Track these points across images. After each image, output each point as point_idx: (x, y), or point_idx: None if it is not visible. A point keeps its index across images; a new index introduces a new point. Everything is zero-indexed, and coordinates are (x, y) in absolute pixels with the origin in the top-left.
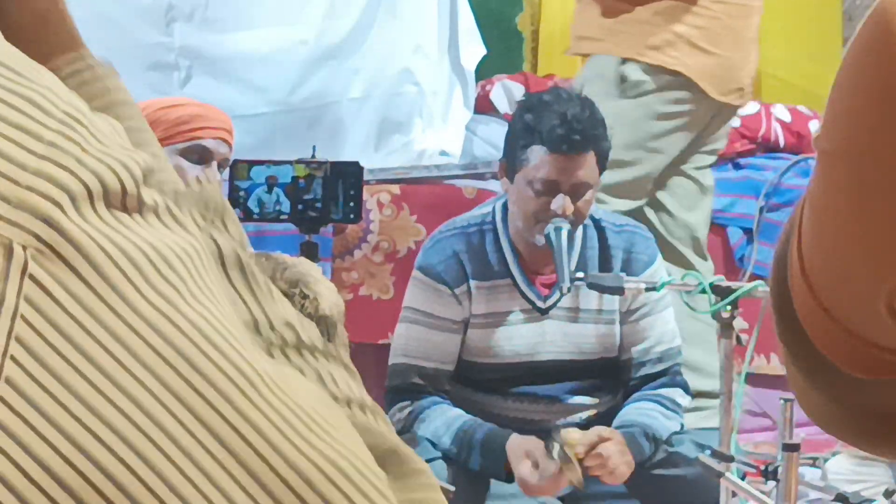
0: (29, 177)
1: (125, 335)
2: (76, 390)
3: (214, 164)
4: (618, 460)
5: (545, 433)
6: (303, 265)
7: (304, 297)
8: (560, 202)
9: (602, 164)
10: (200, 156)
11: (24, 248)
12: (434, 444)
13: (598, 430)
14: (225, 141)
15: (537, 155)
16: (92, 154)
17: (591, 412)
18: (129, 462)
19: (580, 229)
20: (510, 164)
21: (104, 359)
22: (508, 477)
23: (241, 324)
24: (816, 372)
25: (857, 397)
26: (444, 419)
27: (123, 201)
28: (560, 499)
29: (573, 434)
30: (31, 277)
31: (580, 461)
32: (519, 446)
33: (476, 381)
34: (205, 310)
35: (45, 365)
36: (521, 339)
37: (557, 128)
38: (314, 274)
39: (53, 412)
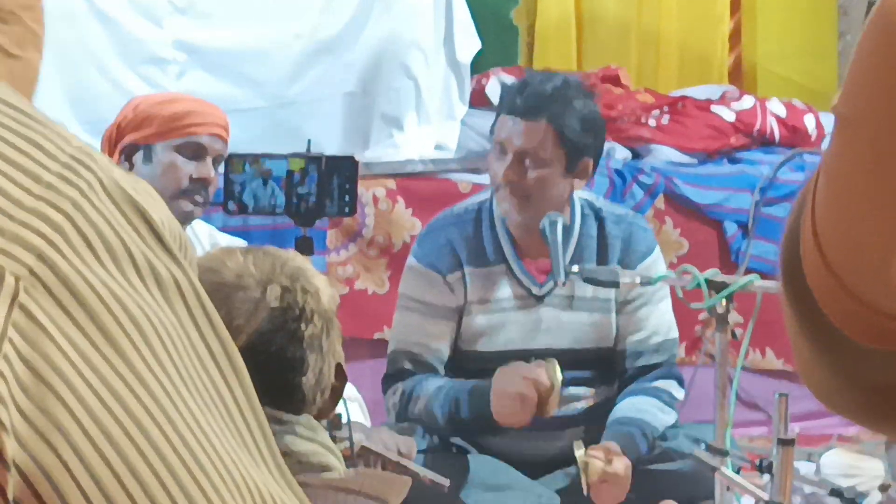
0: (24, 214)
1: (120, 389)
2: (58, 421)
3: (209, 159)
4: (619, 494)
5: (546, 431)
6: (297, 259)
7: (306, 291)
8: (501, 164)
9: (569, 149)
10: (195, 152)
11: (17, 278)
12: (429, 426)
13: (616, 465)
14: (220, 137)
15: (500, 121)
16: (94, 204)
17: (585, 404)
18: (93, 499)
19: (578, 217)
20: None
21: (89, 396)
22: (495, 428)
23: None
24: (825, 343)
25: (864, 370)
26: (434, 385)
27: (134, 263)
28: (557, 492)
29: (596, 465)
30: (21, 307)
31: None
32: (505, 372)
33: (470, 369)
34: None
35: (27, 392)
36: (516, 326)
37: (514, 93)
38: (309, 268)
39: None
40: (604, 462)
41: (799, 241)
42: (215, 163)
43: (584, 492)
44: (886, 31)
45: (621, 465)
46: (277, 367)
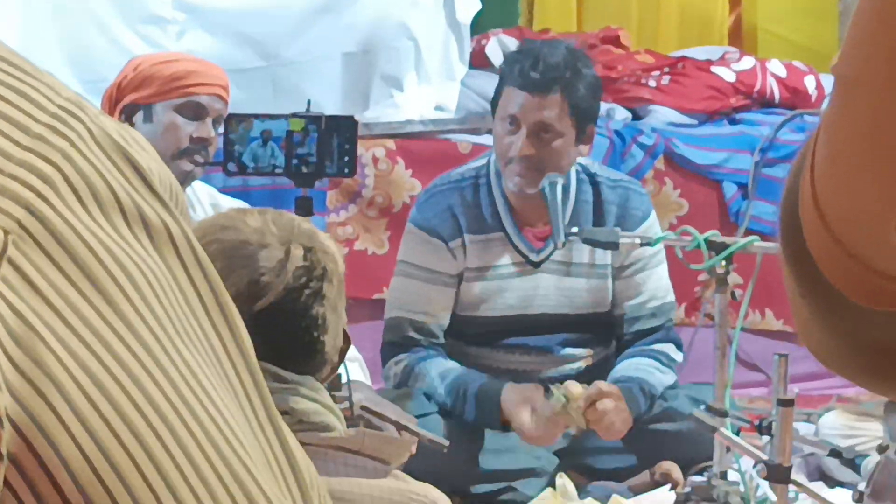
0: (12, 166)
1: (111, 339)
2: (50, 371)
3: (209, 119)
4: (616, 417)
5: (542, 382)
6: (306, 222)
7: (325, 252)
8: (516, 139)
9: (580, 118)
10: (196, 112)
11: (5, 232)
12: (429, 398)
13: (599, 385)
14: (220, 97)
15: (507, 93)
16: (84, 154)
17: (583, 364)
18: (86, 449)
19: (574, 183)
20: (494, 111)
21: (79, 348)
22: (504, 427)
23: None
24: (824, 303)
25: (864, 331)
26: (438, 371)
27: (123, 213)
28: (555, 453)
29: (575, 388)
30: (10, 261)
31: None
32: (516, 394)
33: (469, 334)
34: (185, 367)
35: (20, 344)
36: (514, 292)
37: (525, 67)
38: (320, 231)
39: (24, 391)
40: (582, 388)
41: (798, 201)
42: (215, 123)
43: (584, 426)
44: None
45: (603, 384)
46: (304, 326)
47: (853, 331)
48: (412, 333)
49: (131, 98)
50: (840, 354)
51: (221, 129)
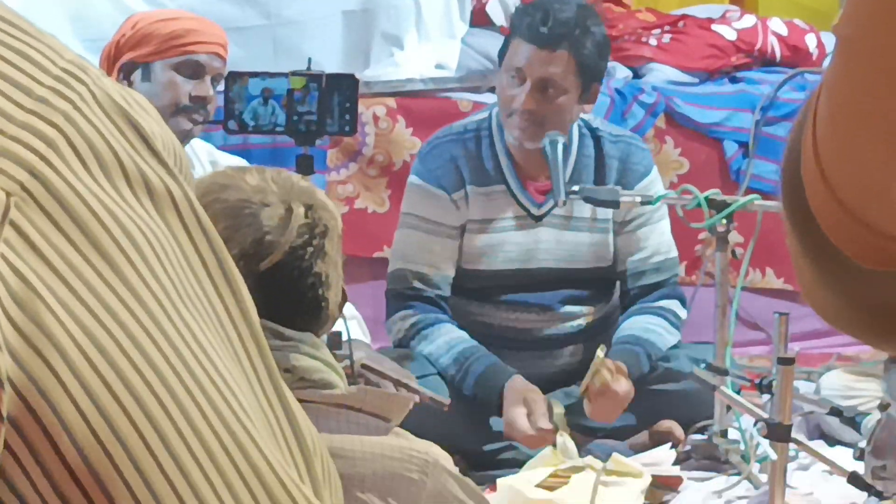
0: (15, 129)
1: (112, 303)
2: (51, 334)
3: (208, 78)
4: (611, 415)
5: (542, 341)
6: (304, 179)
7: (326, 209)
8: (519, 92)
9: (585, 75)
10: (194, 70)
11: (8, 194)
12: (431, 363)
13: (620, 384)
14: (219, 55)
15: (514, 45)
16: (87, 116)
17: (583, 321)
18: (87, 413)
19: (576, 138)
20: (501, 62)
21: (81, 311)
22: (499, 412)
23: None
24: (826, 263)
25: (866, 291)
26: (446, 339)
27: (125, 175)
28: None
29: (605, 376)
30: (12, 223)
31: (587, 390)
32: (520, 390)
33: (469, 288)
34: (187, 331)
35: (22, 306)
36: (515, 245)
37: (535, 20)
38: (317, 188)
39: (25, 353)
40: (612, 378)
41: (800, 161)
42: (214, 81)
43: (580, 392)
44: None
45: (624, 386)
46: (309, 283)
47: (857, 291)
48: (416, 284)
49: (129, 56)
50: (844, 314)
51: (221, 87)
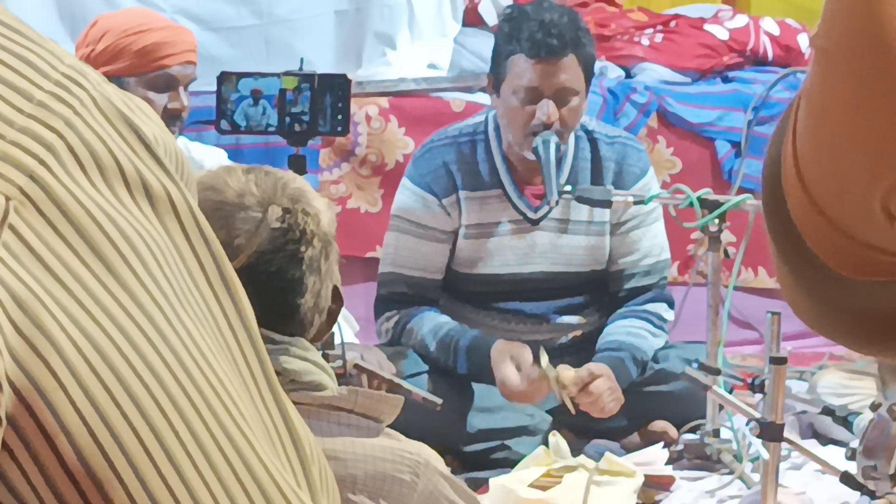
0: (15, 133)
1: (111, 306)
2: (51, 336)
3: (180, 88)
4: (608, 398)
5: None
6: (298, 180)
7: (307, 213)
8: (545, 108)
9: (587, 72)
10: (167, 83)
11: (7, 198)
12: (423, 358)
13: (590, 368)
14: (190, 62)
15: (518, 63)
16: (87, 121)
17: (579, 332)
18: (85, 414)
19: (572, 140)
20: (496, 77)
21: (80, 314)
22: (493, 379)
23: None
24: (808, 272)
25: (849, 298)
26: (431, 325)
27: (125, 180)
28: (549, 412)
29: (567, 373)
30: (11, 227)
31: (572, 400)
32: (504, 348)
33: (465, 293)
34: (186, 334)
35: (23, 308)
36: (511, 250)
37: (535, 33)
38: (311, 190)
39: (25, 355)
40: (573, 374)
41: (780, 171)
42: (185, 86)
43: (572, 411)
44: None
45: (594, 366)
46: (277, 288)
47: (837, 298)
48: (405, 289)
49: (104, 70)
50: (826, 320)
51: (213, 87)
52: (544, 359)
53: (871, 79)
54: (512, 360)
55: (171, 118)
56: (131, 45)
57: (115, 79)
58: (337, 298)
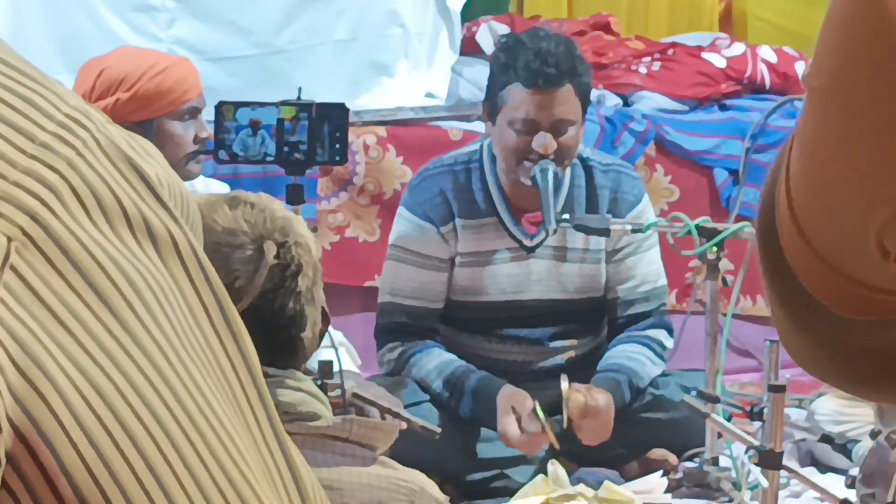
0: (17, 174)
1: (112, 348)
2: (52, 377)
3: (200, 116)
4: (602, 430)
5: (534, 374)
6: (280, 209)
7: (298, 244)
8: (542, 140)
9: (584, 101)
10: (191, 114)
11: (9, 239)
12: (423, 388)
13: (598, 400)
14: (200, 93)
15: (515, 94)
16: (89, 162)
17: (573, 353)
18: (86, 456)
19: (567, 170)
20: (491, 105)
21: (81, 356)
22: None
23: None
24: (803, 313)
25: (844, 338)
26: (436, 363)
27: (128, 221)
28: None
29: (578, 398)
30: (13, 268)
31: (570, 421)
32: (508, 399)
33: (462, 320)
34: (188, 377)
35: (24, 348)
36: (507, 277)
37: (532, 63)
38: (294, 217)
39: (26, 395)
40: (585, 396)
41: (775, 211)
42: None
43: (564, 424)
44: (853, 2)
45: (602, 399)
46: (281, 325)
47: (833, 339)
48: (405, 318)
49: (129, 120)
50: (821, 361)
51: (204, 117)
52: (538, 409)
53: (863, 117)
54: (514, 412)
55: (202, 147)
56: (159, 87)
57: (148, 122)
58: (325, 319)
